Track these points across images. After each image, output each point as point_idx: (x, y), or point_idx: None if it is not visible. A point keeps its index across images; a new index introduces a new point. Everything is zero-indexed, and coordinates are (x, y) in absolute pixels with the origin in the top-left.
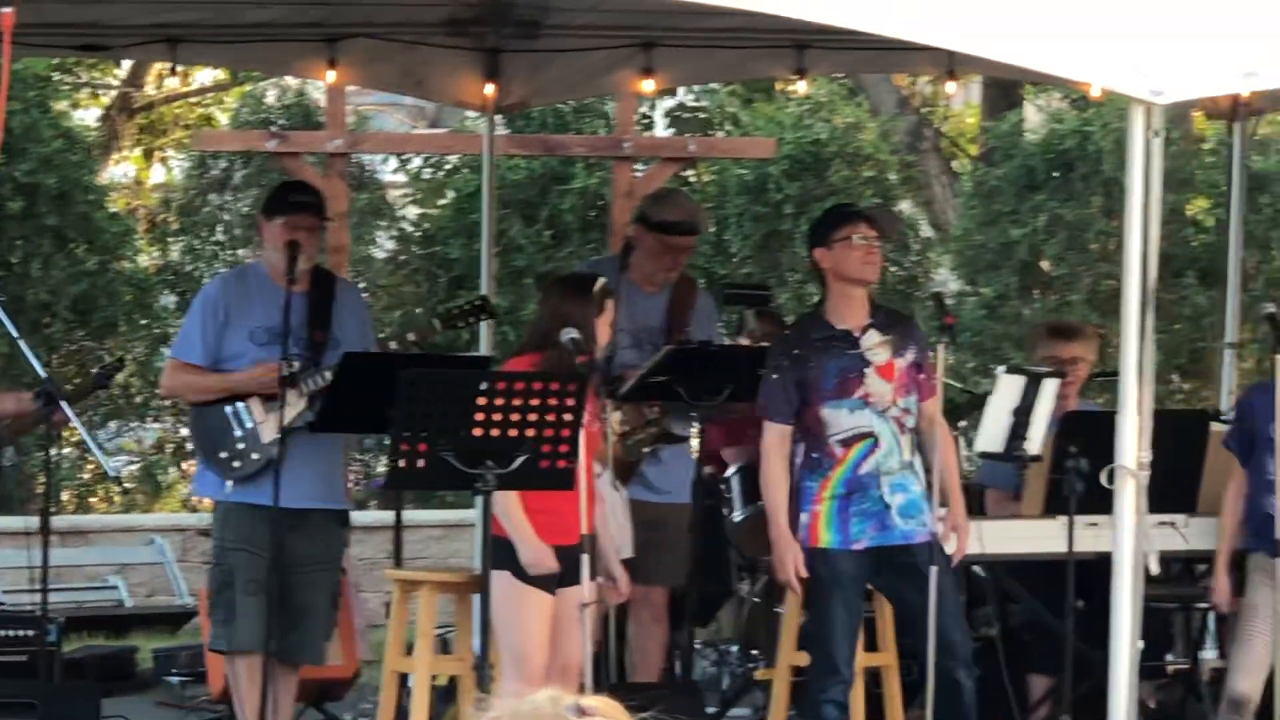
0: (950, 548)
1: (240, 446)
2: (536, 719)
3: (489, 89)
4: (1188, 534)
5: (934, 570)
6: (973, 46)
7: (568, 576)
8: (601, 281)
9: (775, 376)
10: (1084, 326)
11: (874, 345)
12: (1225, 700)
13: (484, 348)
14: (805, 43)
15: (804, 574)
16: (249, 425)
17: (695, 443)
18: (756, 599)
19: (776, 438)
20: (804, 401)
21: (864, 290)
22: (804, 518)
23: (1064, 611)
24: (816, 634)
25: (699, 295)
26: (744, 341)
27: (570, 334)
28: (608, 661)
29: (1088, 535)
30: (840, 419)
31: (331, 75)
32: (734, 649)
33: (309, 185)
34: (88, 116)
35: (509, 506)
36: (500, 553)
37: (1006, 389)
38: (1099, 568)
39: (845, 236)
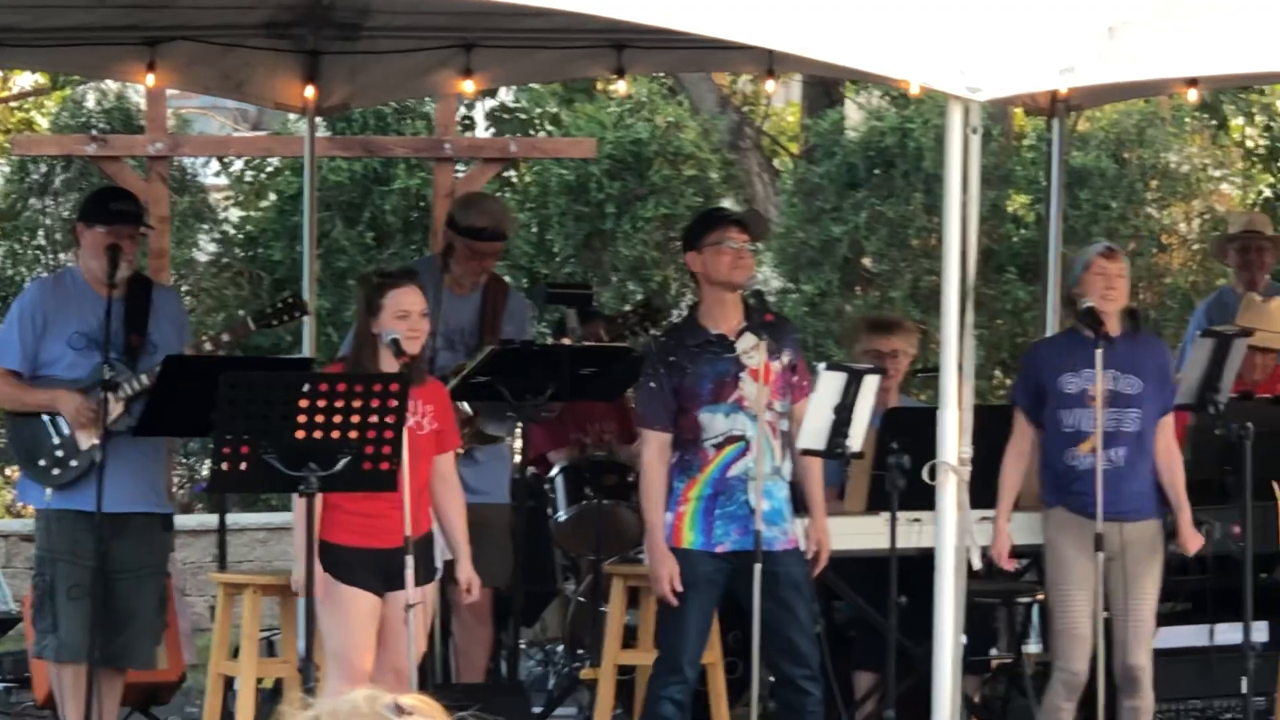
0: (810, 555)
1: (59, 454)
2: (354, 717)
3: (309, 91)
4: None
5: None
6: (791, 45)
7: (396, 580)
8: (400, 269)
9: (653, 385)
10: (902, 320)
11: (749, 349)
12: (1058, 683)
13: (307, 350)
14: (624, 42)
15: (679, 588)
16: (66, 432)
17: (518, 444)
18: (581, 598)
19: (657, 447)
20: (680, 408)
21: (736, 294)
22: (668, 517)
23: (887, 608)
24: (666, 632)
25: (511, 295)
26: (566, 341)
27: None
28: (433, 662)
29: (911, 531)
30: (715, 423)
31: (151, 78)
32: (559, 648)
33: (127, 192)
34: None
35: (296, 523)
36: (324, 556)
37: (827, 386)
38: (922, 563)
39: (716, 241)
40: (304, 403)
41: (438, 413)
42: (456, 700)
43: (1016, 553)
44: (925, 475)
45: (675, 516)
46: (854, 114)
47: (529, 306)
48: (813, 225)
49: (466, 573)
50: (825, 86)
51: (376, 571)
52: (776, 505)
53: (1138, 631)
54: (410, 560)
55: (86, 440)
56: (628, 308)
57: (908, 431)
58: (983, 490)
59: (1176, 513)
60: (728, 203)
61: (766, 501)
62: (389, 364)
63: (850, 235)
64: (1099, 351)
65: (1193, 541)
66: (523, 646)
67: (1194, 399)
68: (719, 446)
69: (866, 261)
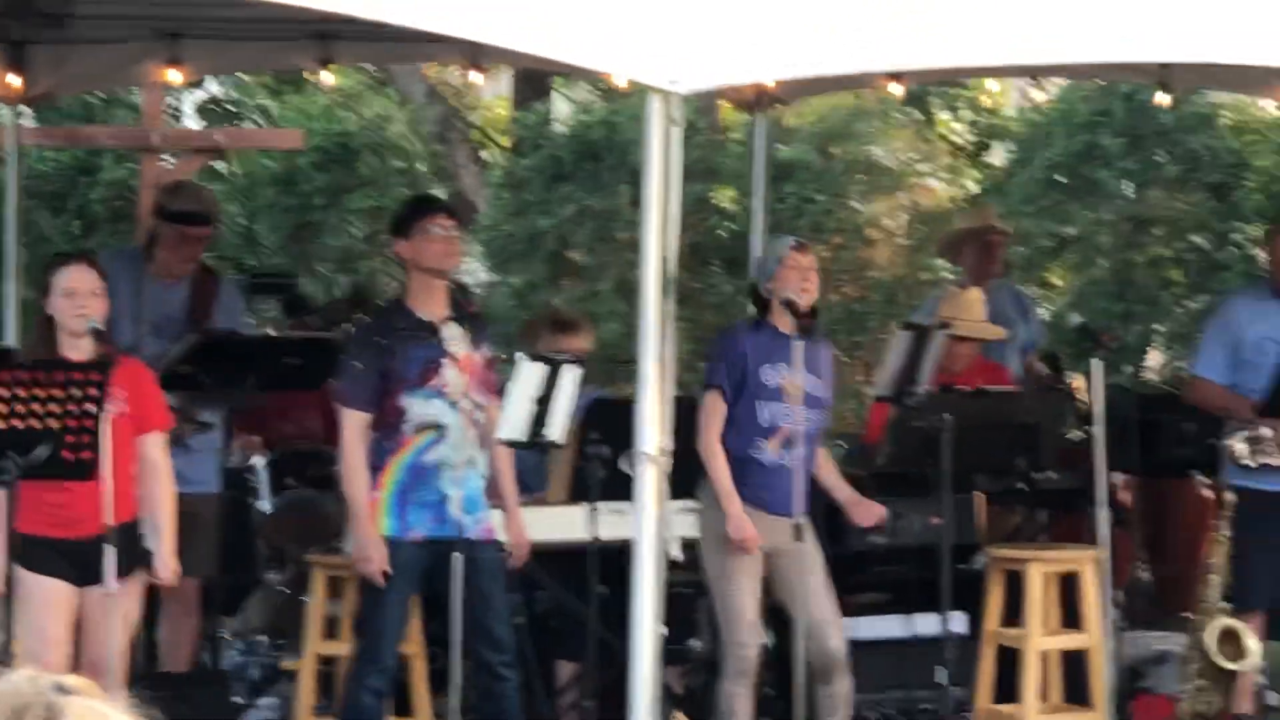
0: (510, 553)
1: None
2: (15, 698)
3: (14, 80)
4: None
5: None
6: (494, 37)
7: (92, 570)
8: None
9: (359, 365)
10: (582, 318)
11: (454, 337)
12: (731, 666)
13: (10, 339)
14: (330, 33)
15: (388, 569)
16: None
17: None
18: (285, 589)
19: (358, 426)
20: (385, 390)
21: (444, 282)
22: None
23: (589, 598)
24: (366, 621)
25: (223, 285)
26: (270, 332)
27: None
28: (137, 651)
29: (612, 522)
30: (415, 408)
31: None
32: (262, 639)
33: None
34: None
35: None
36: (12, 546)
37: (528, 376)
38: (624, 554)
39: (425, 228)
40: (3, 392)
41: (131, 395)
42: (158, 690)
43: None
44: (624, 465)
45: (370, 503)
46: (563, 107)
47: (241, 297)
48: (520, 218)
49: (166, 559)
50: (534, 79)
51: (70, 562)
52: (471, 494)
53: (830, 617)
54: (111, 550)
55: None
56: (338, 294)
57: (609, 422)
58: (683, 481)
59: (838, 493)
60: (436, 193)
61: (462, 490)
62: (70, 346)
63: (557, 228)
64: (799, 345)
65: (868, 509)
66: (225, 636)
67: (891, 391)
68: (416, 432)
69: (574, 254)
